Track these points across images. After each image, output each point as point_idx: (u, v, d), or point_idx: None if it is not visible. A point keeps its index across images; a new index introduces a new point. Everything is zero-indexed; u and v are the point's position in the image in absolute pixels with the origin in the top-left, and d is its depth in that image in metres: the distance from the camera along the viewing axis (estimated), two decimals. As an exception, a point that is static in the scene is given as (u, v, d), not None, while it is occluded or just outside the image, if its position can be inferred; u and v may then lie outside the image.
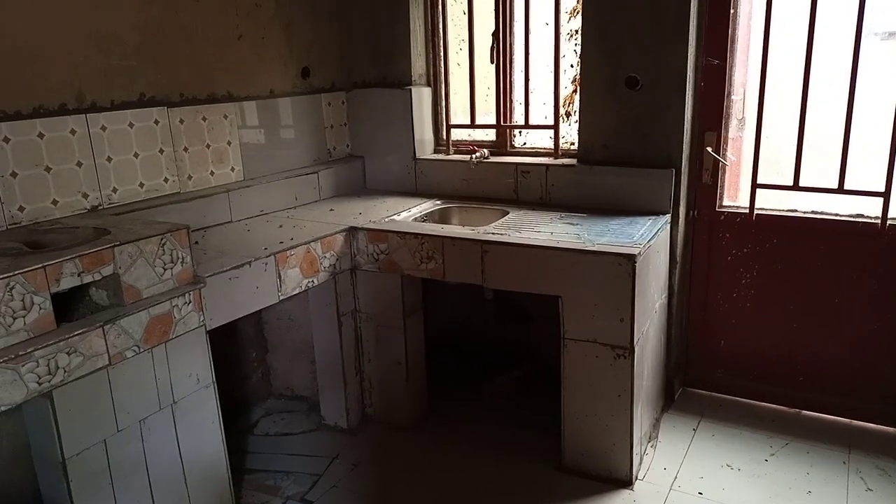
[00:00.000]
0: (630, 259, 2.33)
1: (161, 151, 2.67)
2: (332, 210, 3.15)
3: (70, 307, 1.94)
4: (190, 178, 2.81)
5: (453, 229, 2.77)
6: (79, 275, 1.85)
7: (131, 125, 2.54)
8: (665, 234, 2.83)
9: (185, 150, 2.78)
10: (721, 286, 3.07)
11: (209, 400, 2.25)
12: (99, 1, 2.41)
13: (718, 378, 3.18)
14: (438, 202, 3.29)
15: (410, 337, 2.90)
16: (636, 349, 2.42)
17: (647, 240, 2.51)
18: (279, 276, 2.47)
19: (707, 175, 2.97)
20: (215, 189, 2.88)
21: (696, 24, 2.78)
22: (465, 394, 3.28)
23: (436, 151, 3.59)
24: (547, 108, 3.27)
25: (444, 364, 3.48)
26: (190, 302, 2.13)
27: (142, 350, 1.99)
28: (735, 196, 3.01)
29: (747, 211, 2.91)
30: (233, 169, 3.00)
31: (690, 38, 2.75)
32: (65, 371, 1.79)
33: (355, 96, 3.58)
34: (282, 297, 2.50)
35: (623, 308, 2.38)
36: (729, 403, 3.12)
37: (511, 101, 3.40)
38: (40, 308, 1.77)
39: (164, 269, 2.08)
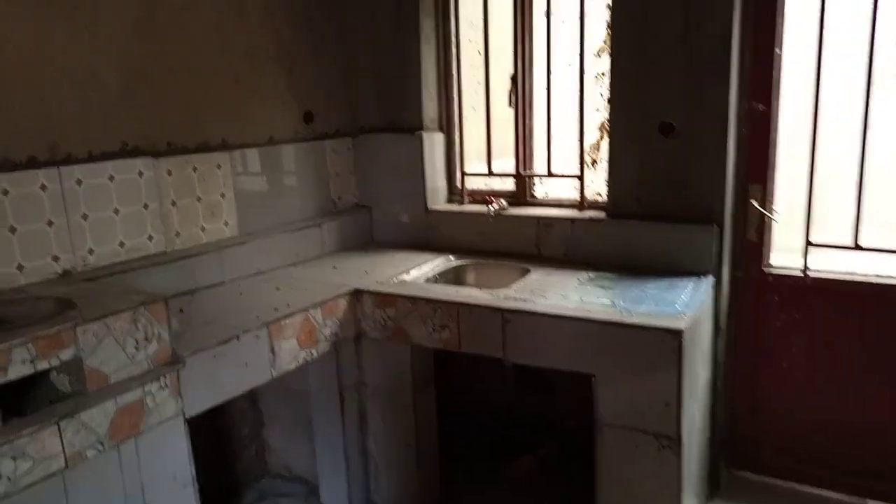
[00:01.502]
0: (676, 335, 2.01)
1: (145, 207, 2.40)
2: (335, 268, 2.86)
3: (27, 394, 1.64)
4: (178, 235, 2.53)
5: (469, 293, 2.47)
6: (31, 361, 1.56)
7: (111, 178, 2.28)
8: (709, 300, 2.52)
9: (173, 204, 2.50)
10: (769, 355, 2.74)
11: (188, 502, 1.92)
12: (75, 34, 2.16)
13: (767, 458, 2.83)
14: (452, 258, 3.00)
15: (422, 414, 2.58)
16: (684, 438, 2.09)
17: (694, 308, 2.20)
18: (272, 350, 2.17)
19: (753, 231, 2.67)
20: (206, 247, 2.60)
21: (737, 65, 2.51)
22: (483, 476, 2.94)
23: (449, 201, 3.31)
24: (571, 156, 2.99)
25: (455, 437, 3.15)
26: (166, 386, 1.82)
27: (106, 448, 1.68)
28: (784, 255, 2.70)
29: (800, 273, 2.60)
30: (226, 224, 2.72)
31: (732, 79, 2.48)
32: (9, 480, 1.48)
33: (362, 142, 3.32)
34: (275, 375, 2.19)
35: (668, 390, 2.05)
36: (781, 490, 2.76)
37: (531, 148, 3.13)
38: (-20, 405, 1.47)
39: (137, 349, 1.78)
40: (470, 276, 2.95)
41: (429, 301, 2.39)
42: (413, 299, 2.42)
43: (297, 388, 2.79)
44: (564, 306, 2.25)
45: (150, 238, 2.42)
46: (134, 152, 2.36)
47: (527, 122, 3.09)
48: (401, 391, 2.54)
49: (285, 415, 2.86)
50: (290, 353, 2.25)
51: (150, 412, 1.78)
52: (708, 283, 2.51)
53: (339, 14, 3.16)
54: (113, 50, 2.27)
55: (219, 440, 2.79)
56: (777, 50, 2.54)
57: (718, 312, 2.64)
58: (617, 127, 2.71)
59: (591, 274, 2.64)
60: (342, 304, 2.47)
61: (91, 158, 2.23)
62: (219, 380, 1.99)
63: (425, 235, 3.21)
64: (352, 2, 3.19)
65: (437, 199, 3.25)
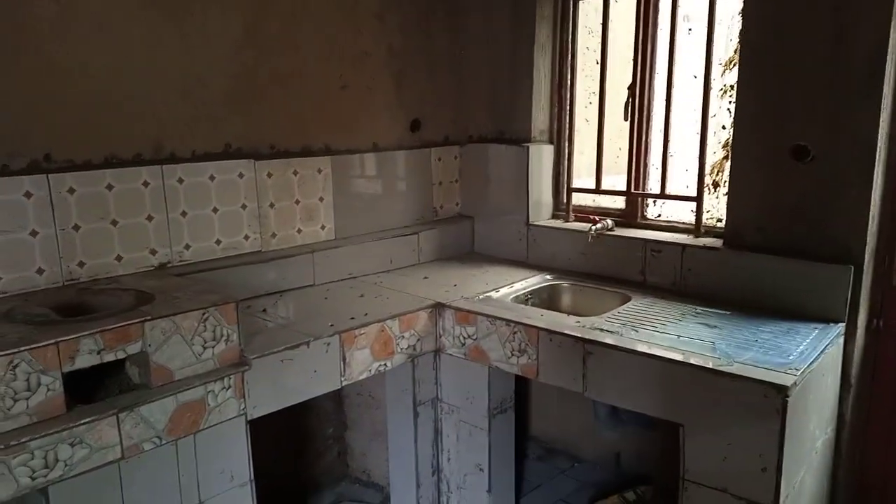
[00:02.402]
0: (781, 391, 1.73)
1: (244, 207, 2.47)
2: (426, 278, 2.80)
3: (102, 381, 1.73)
4: (274, 235, 2.59)
5: (555, 318, 2.31)
6: (98, 352, 1.63)
7: (212, 178, 2.37)
8: (836, 351, 2.17)
9: (271, 205, 2.56)
10: (913, 421, 2.33)
11: (246, 500, 1.94)
12: (188, 45, 2.27)
13: (903, 542, 2.40)
14: (549, 277, 2.84)
15: (497, 439, 2.45)
16: (783, 511, 1.81)
17: (810, 361, 1.90)
18: (343, 359, 2.14)
19: (900, 276, 2.27)
20: (300, 249, 2.64)
21: (893, 83, 2.14)
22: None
23: (554, 217, 3.14)
24: (689, 177, 2.72)
25: (538, 464, 2.99)
26: (230, 387, 1.85)
27: (164, 442, 1.72)
28: (940, 305, 2.28)
29: (958, 329, 2.18)
30: (323, 227, 2.75)
31: (885, 100, 2.12)
32: (65, 465, 1.55)
33: (469, 151, 3.25)
34: (345, 383, 2.16)
35: (767, 454, 1.78)
36: (917, 582, 2.33)
37: (646, 166, 2.89)
38: (48, 390, 1.55)
39: (204, 348, 1.81)
40: (564, 299, 2.77)
41: (508, 322, 2.26)
42: (493, 319, 2.30)
43: (378, 396, 2.77)
44: (657, 342, 2.03)
45: (247, 237, 2.49)
46: (236, 154, 2.44)
47: (643, 136, 2.86)
48: (477, 413, 2.43)
49: (366, 420, 2.85)
50: (363, 363, 2.21)
51: (210, 411, 1.80)
52: (837, 330, 2.16)
53: (452, 21, 3.11)
54: (221, 55, 2.36)
55: (303, 437, 2.83)
56: (946, 63, 2.14)
57: (849, 366, 2.27)
58: (742, 147, 2.42)
59: (699, 309, 2.38)
60: (422, 317, 2.40)
61: (194, 158, 2.33)
62: (285, 384, 1.99)
63: (525, 251, 3.07)
64: (467, 8, 3.13)
65: (541, 213, 3.10)
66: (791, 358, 1.92)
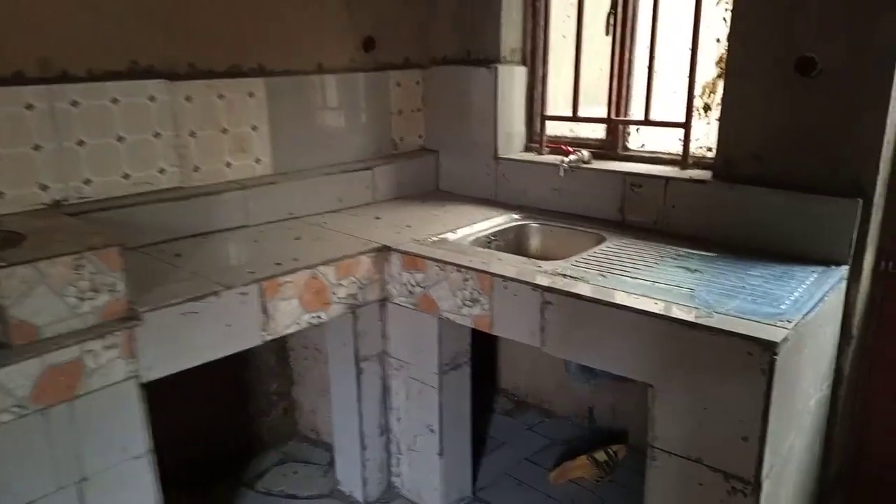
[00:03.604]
0: (768, 349, 1.44)
1: (157, 136, 2.14)
2: (378, 218, 2.49)
3: (-39, 339, 1.44)
4: (197, 169, 2.26)
5: (514, 263, 2.00)
6: (-64, 306, 1.33)
7: (115, 101, 2.03)
8: (837, 298, 1.87)
9: (192, 135, 2.23)
10: (922, 377, 2.05)
11: (143, 474, 1.68)
12: (75, -60, 1.90)
13: (903, 508, 2.15)
14: (517, 216, 2.52)
15: (449, 398, 2.18)
16: (765, 484, 1.53)
17: (805, 311, 1.60)
18: (265, 311, 1.85)
19: (916, 211, 1.95)
20: (230, 185, 2.32)
21: (921, -23, 1.77)
22: (523, 474, 2.51)
23: (527, 149, 2.80)
24: (678, 101, 2.37)
25: (501, 424, 2.76)
26: (114, 346, 1.56)
27: (30, 411, 1.44)
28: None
29: (982, 272, 1.87)
30: (258, 161, 2.42)
31: (910, -3, 1.76)
32: None
33: (433, 76, 2.88)
34: (267, 338, 1.88)
35: (749, 420, 1.50)
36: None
37: (629, 88, 2.53)
38: None
39: (81, 301, 1.52)
40: (533, 241, 2.46)
41: (459, 268, 1.95)
42: (443, 264, 2.00)
43: (324, 350, 2.49)
44: (625, 291, 1.73)
45: (162, 171, 2.17)
46: (145, 73, 2.10)
47: (626, 54, 2.49)
48: (426, 368, 2.15)
49: (314, 375, 2.58)
50: (290, 316, 1.92)
51: (89, 374, 1.52)
52: (839, 274, 1.86)
53: (409, -80, 2.70)
54: (119, -48, 1.99)
55: (244, 394, 2.58)
56: None
57: (851, 314, 1.97)
58: (739, 61, 2.06)
59: (682, 251, 2.07)
60: (365, 262, 2.10)
61: (91, 78, 1.99)
62: (188, 341, 1.70)
63: (493, 188, 2.75)
64: None
65: (513, 145, 2.76)
66: (783, 308, 1.62)
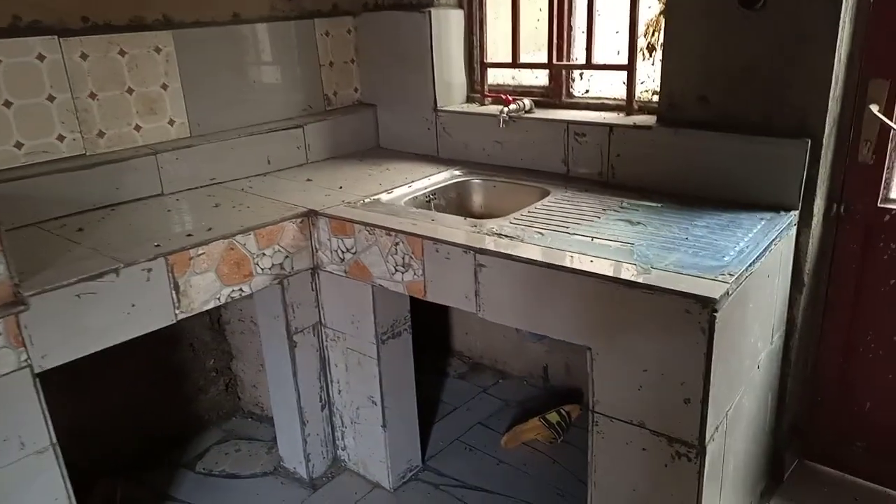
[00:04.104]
0: (708, 305, 1.34)
1: (51, 99, 1.94)
2: (309, 180, 2.33)
3: None
4: (101, 135, 2.07)
5: (447, 223, 1.87)
6: None
7: (-2, 61, 1.82)
8: (786, 245, 1.78)
9: (93, 96, 2.03)
10: (875, 321, 1.98)
11: (48, 469, 1.54)
12: None
13: (857, 454, 2.12)
14: (458, 172, 2.38)
15: (389, 368, 2.07)
16: (709, 448, 1.46)
17: (750, 261, 1.50)
18: (175, 288, 1.70)
19: (867, 150, 1.85)
20: (140, 150, 2.13)
21: None
22: (475, 439, 2.43)
23: (469, 101, 2.64)
24: (622, 41, 2.22)
25: (453, 389, 2.67)
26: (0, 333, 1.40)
27: None
28: (912, 184, 1.88)
29: (934, 212, 1.78)
30: (171, 122, 2.23)
31: (859, -83, 1.62)
32: None
33: (365, 23, 2.68)
34: (182, 317, 1.73)
35: (691, 382, 1.41)
36: (870, 494, 2.06)
37: (571, 30, 2.38)
38: None
39: (-47, 287, 1.35)
40: (475, 199, 2.33)
41: (389, 231, 1.82)
42: (371, 227, 1.85)
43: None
44: (561, 249, 1.61)
45: (61, 138, 1.98)
46: (30, 30, 1.88)
47: (567, -7, 2.32)
48: (363, 338, 2.03)
49: (252, 349, 2.45)
50: (208, 291, 1.77)
51: (-31, 367, 1.37)
52: (788, 219, 1.76)
53: None
54: None
55: (180, 372, 2.44)
56: None
57: (801, 261, 1.89)
58: (680, -3, 1.92)
59: (627, 202, 1.95)
60: (290, 228, 1.95)
61: (-35, 35, 1.78)
62: (87, 325, 1.55)
63: (435, 143, 2.59)
64: None
65: (452, 96, 2.60)
66: (727, 259, 1.51)
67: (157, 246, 1.70)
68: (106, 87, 2.05)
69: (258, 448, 2.40)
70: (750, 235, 1.67)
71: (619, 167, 2.13)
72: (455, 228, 1.80)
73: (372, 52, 2.71)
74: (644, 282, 1.41)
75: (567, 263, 1.52)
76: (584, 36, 2.26)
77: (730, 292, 1.38)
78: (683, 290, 1.36)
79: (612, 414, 1.55)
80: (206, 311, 1.86)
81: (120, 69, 2.07)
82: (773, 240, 1.65)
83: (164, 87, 2.19)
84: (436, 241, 1.73)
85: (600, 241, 1.66)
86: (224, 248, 1.79)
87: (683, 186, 1.99)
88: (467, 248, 1.67)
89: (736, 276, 1.43)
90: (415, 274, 1.80)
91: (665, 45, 1.97)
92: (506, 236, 1.71)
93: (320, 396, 2.19)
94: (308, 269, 2.04)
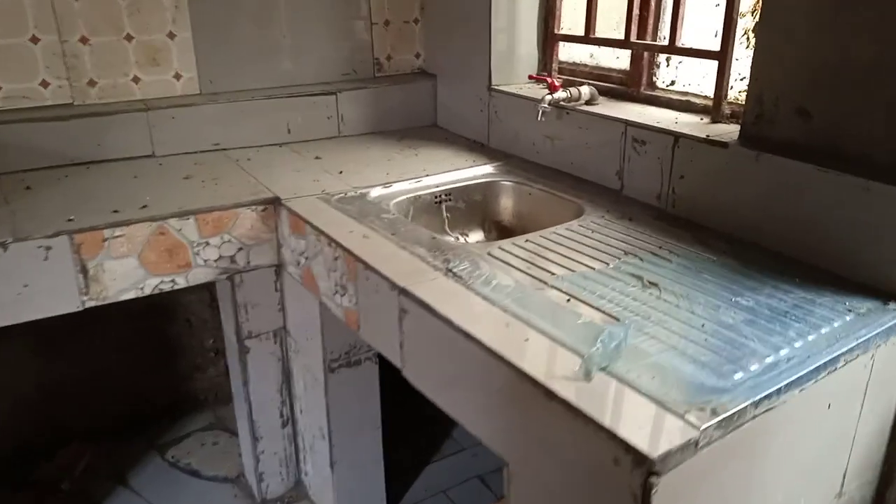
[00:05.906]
0: (641, 464, 0.82)
1: (35, 40, 1.80)
2: (318, 158, 2.01)
3: None
4: (93, 84, 1.91)
5: (412, 237, 1.44)
6: None
7: (-27, -4, 1.70)
8: (885, 355, 1.14)
9: (84, 41, 1.86)
10: None
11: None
12: None
13: None
14: (491, 170, 1.93)
15: (338, 401, 1.72)
16: None
17: (776, 386, 0.94)
18: (84, 271, 1.48)
19: None
20: (134, 104, 1.94)
21: None
22: (463, 497, 2.02)
23: (538, 79, 2.14)
24: (717, 20, 1.60)
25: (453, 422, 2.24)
26: None
27: None
28: None
29: None
30: (177, 76, 2.02)
31: None
32: None
33: (431, -23, 2.27)
34: (90, 304, 1.52)
35: (619, 563, 0.90)
36: None
37: (660, 2, 1.78)
38: None
39: None
40: (503, 205, 1.86)
41: (330, 242, 1.45)
42: (318, 233, 1.50)
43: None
44: (505, 311, 1.14)
45: (45, 84, 1.84)
46: (15, -37, 1.74)
47: (663, -51, 1.73)
48: (313, 359, 1.70)
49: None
50: (128, 278, 1.54)
51: None
52: (891, 318, 1.12)
53: None
54: None
55: (177, 351, 2.29)
56: None
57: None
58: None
59: (668, 242, 1.40)
60: (247, 217, 1.65)
61: (-61, -33, 1.66)
62: (-35, 304, 1.38)
63: (486, 129, 2.14)
64: None
65: (517, 73, 2.12)
66: (740, 377, 0.96)
67: (71, 220, 1.49)
68: (100, 32, 1.88)
69: (235, 447, 2.19)
70: (813, 336, 1.07)
71: (681, 193, 1.56)
72: (399, 250, 1.38)
73: (440, 12, 2.30)
74: (563, 395, 0.91)
75: (482, 336, 1.05)
76: (672, 6, 1.66)
77: (699, 444, 0.85)
78: (608, 427, 0.85)
79: (527, 558, 1.08)
80: (206, 287, 1.66)
81: (117, 12, 1.88)
82: (852, 348, 1.04)
83: (171, 35, 1.97)
84: (366, 265, 1.33)
85: (579, 303, 1.16)
86: (151, 231, 1.54)
87: (757, 235, 1.39)
88: (393, 285, 1.25)
89: (729, 413, 0.88)
90: (350, 300, 1.42)
91: (759, 27, 1.36)
92: (453, 274, 1.27)
93: (281, 412, 1.91)
94: (271, 266, 1.74)
